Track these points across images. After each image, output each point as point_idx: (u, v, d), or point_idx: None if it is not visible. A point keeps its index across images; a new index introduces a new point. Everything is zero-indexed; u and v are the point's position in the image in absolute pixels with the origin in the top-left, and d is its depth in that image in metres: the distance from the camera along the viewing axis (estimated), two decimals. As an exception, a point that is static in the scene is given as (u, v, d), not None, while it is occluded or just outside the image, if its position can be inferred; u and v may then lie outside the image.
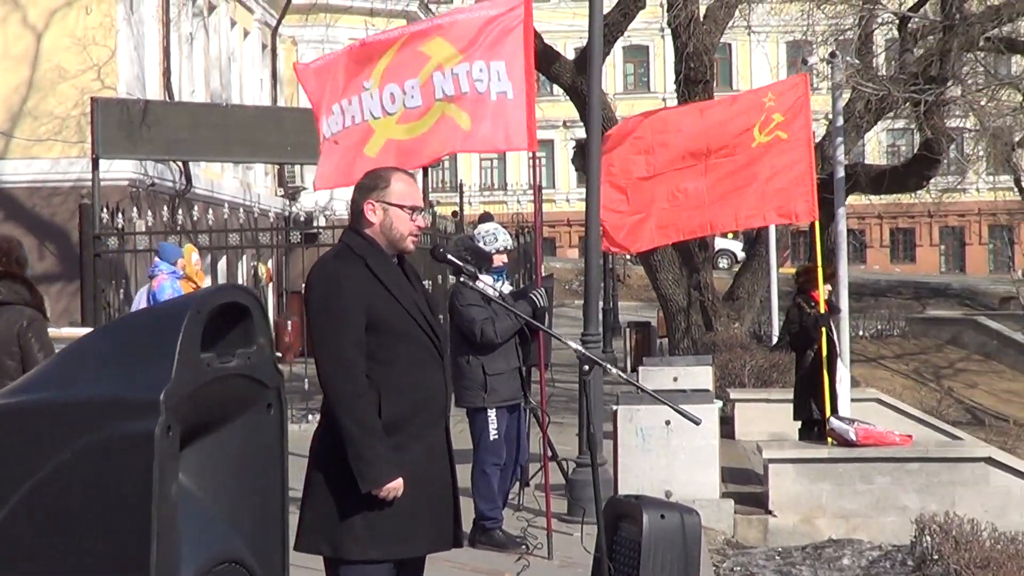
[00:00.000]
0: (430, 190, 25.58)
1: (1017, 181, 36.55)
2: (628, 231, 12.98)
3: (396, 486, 5.41)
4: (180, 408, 4.57)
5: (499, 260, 10.36)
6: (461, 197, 30.17)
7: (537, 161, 11.36)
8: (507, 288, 10.55)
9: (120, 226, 18.83)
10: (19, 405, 4.72)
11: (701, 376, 15.58)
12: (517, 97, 10.03)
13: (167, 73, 27.25)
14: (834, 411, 13.22)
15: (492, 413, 10.28)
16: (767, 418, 16.90)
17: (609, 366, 6.11)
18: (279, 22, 36.50)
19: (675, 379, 15.50)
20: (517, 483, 11.35)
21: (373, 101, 10.28)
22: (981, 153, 28.54)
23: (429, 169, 20.93)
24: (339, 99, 10.41)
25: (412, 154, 10.23)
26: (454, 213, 26.11)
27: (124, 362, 4.68)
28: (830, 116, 17.17)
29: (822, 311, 13.63)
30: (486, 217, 20.89)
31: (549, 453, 10.71)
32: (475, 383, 10.29)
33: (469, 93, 10.06)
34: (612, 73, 63.01)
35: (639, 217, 12.96)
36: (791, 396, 14.49)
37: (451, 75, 10.08)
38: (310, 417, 17.16)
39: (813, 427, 13.57)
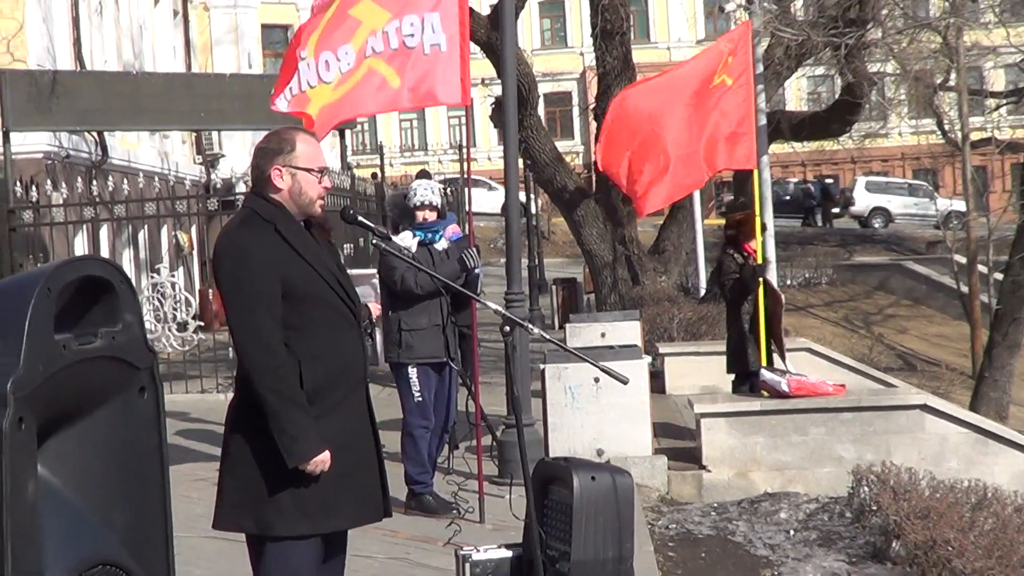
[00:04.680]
0: (349, 152, 25.31)
1: (939, 124, 36.66)
2: (645, 192, 13.11)
3: (323, 459, 5.23)
4: (34, 398, 4.18)
5: (422, 216, 10.31)
6: (381, 159, 29.93)
7: (469, 117, 11.15)
8: (443, 244, 10.40)
9: (35, 199, 18.45)
10: None
11: (629, 331, 15.42)
12: (450, 50, 9.80)
13: (77, 44, 26.80)
14: (770, 363, 13.06)
15: (413, 372, 10.19)
16: (698, 372, 16.76)
17: (530, 326, 5.91)
18: (191, -12, 36.07)
19: (603, 335, 15.34)
20: (446, 446, 11.22)
21: (310, 71, 10.05)
22: (903, 97, 28.60)
23: (347, 131, 20.70)
24: (287, 81, 10.22)
25: (339, 111, 10.01)
26: (374, 175, 25.85)
27: None
28: (750, 63, 17.08)
29: (760, 261, 13.47)
30: (422, 175, 20.70)
31: (481, 417, 10.58)
32: (392, 339, 10.24)
33: (398, 48, 9.83)
34: (528, 29, 62.80)
35: (650, 178, 13.04)
36: (722, 349, 14.32)
37: (381, 34, 9.84)
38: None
39: (746, 380, 13.39)
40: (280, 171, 5.42)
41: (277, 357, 5.23)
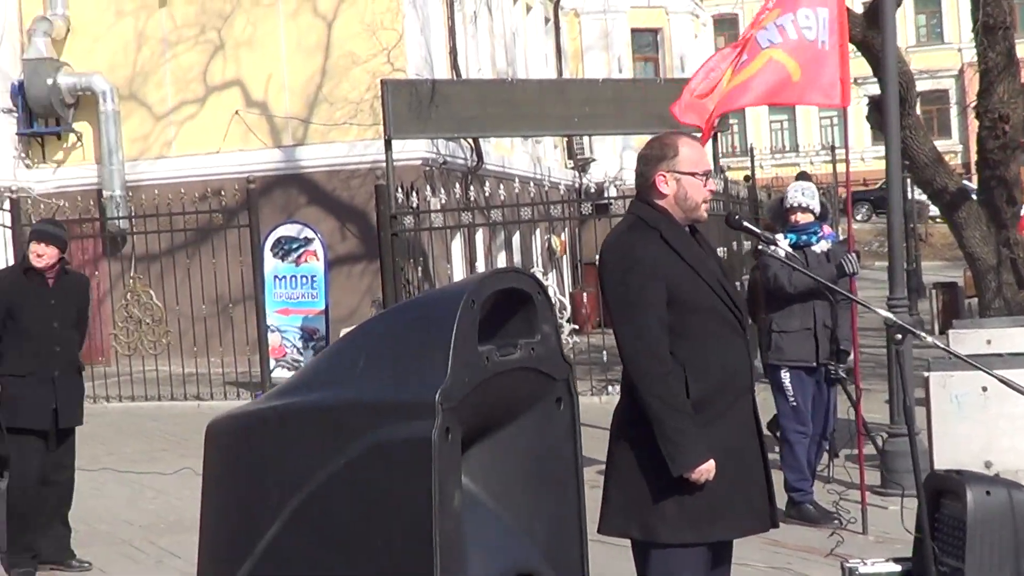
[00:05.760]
0: (720, 155, 25.21)
1: None
2: None
3: (708, 468, 5.18)
4: (459, 408, 4.24)
5: (793, 218, 10.24)
6: (752, 161, 29.59)
7: (844, 118, 10.88)
8: (824, 246, 10.28)
9: (415, 205, 18.99)
10: (287, 408, 4.44)
11: (1018, 338, 14.79)
12: (833, 48, 9.64)
13: (453, 53, 27.52)
14: None
15: (786, 376, 10.08)
16: (1092, 380, 15.93)
17: (923, 334, 5.71)
18: (561, -5, 36.57)
19: (988, 342, 14.78)
20: (826, 454, 11.04)
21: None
22: None
23: (719, 134, 20.60)
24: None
25: (732, 98, 9.91)
26: (746, 178, 25.60)
27: (395, 360, 4.34)
28: None
29: None
30: (801, 176, 20.47)
31: (863, 425, 10.36)
32: (765, 341, 10.28)
33: (798, 40, 9.68)
34: (903, 25, 61.42)
35: None
36: (1118, 356, 13.60)
37: (774, 27, 9.71)
38: (610, 389, 17.03)
39: None
40: (664, 177, 5.41)
41: (664, 364, 5.20)
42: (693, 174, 5.41)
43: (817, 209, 10.42)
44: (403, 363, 4.31)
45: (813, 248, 10.26)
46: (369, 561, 4.21)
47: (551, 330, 4.80)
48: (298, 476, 4.30)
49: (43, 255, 9.33)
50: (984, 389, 11.08)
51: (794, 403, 10.15)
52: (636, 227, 5.41)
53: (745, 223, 5.91)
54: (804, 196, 10.37)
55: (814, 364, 10.21)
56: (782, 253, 9.24)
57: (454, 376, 4.24)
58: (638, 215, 5.45)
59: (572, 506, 4.86)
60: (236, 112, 25.52)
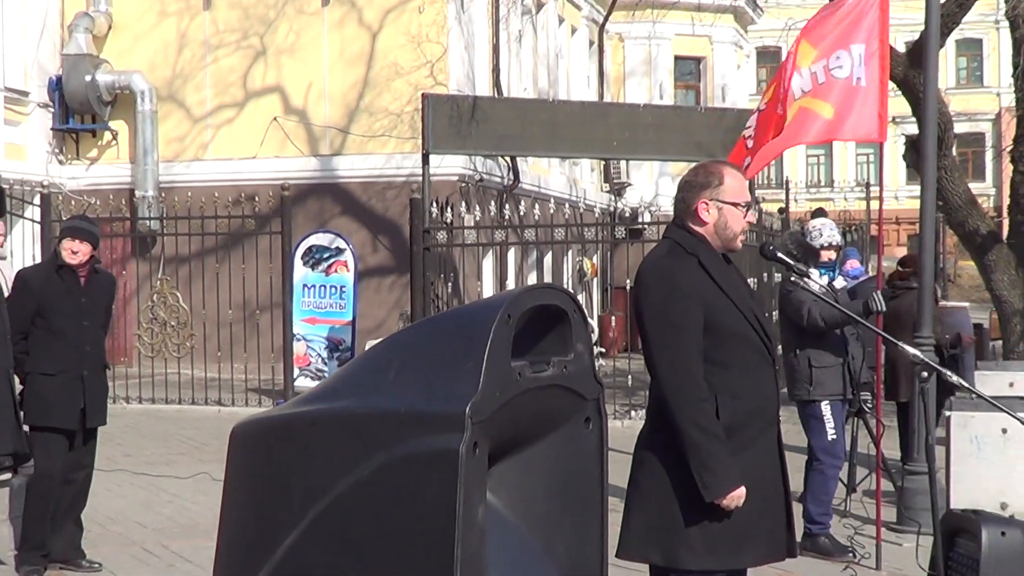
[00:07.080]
0: (756, 186, 25.23)
1: None
2: None
3: (740, 494, 5.21)
4: (488, 423, 4.21)
5: (826, 256, 10.47)
6: (787, 194, 29.63)
7: (879, 155, 10.93)
8: (840, 283, 10.40)
9: (449, 220, 19.09)
10: (314, 414, 4.42)
11: (1040, 382, 14.82)
12: (870, 84, 9.68)
13: (496, 70, 27.61)
14: None
15: (827, 409, 10.10)
16: (1112, 428, 15.92)
17: (949, 373, 5.78)
18: (606, 18, 36.57)
19: (1011, 384, 14.79)
20: (843, 488, 11.10)
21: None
22: None
23: (756, 165, 20.63)
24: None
25: (772, 151, 9.90)
26: (780, 210, 25.68)
27: (427, 371, 4.30)
28: None
29: None
30: (818, 213, 20.53)
31: (882, 461, 10.41)
32: (802, 376, 10.22)
33: (825, 82, 9.73)
34: (944, 67, 61.34)
35: None
36: None
37: (808, 74, 9.76)
38: (633, 413, 17.10)
39: None
40: (707, 204, 5.46)
41: (701, 389, 5.24)
42: (735, 204, 5.46)
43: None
44: (434, 374, 4.27)
45: (834, 283, 10.41)
46: (389, 572, 4.18)
47: (584, 349, 4.76)
48: (321, 483, 4.27)
49: (77, 252, 9.26)
50: (1004, 431, 11.13)
51: (834, 436, 10.19)
52: (675, 252, 5.44)
53: (779, 254, 5.99)
54: (836, 233, 10.53)
55: (848, 396, 10.31)
56: (814, 286, 9.33)
57: (485, 390, 4.20)
58: (676, 240, 5.48)
59: (595, 527, 4.84)
60: (274, 119, 25.65)
